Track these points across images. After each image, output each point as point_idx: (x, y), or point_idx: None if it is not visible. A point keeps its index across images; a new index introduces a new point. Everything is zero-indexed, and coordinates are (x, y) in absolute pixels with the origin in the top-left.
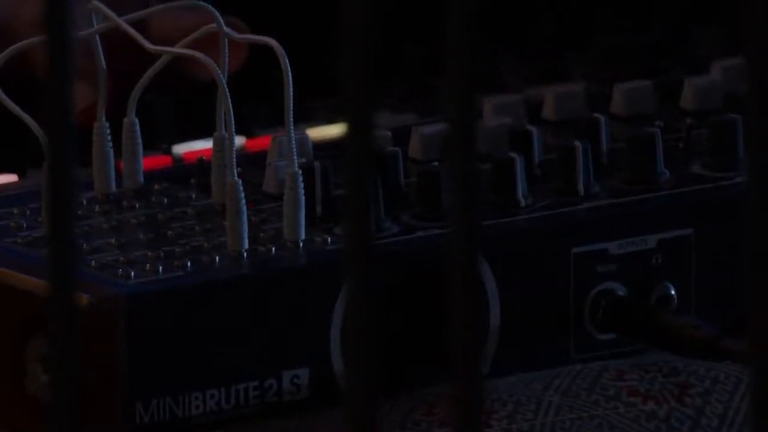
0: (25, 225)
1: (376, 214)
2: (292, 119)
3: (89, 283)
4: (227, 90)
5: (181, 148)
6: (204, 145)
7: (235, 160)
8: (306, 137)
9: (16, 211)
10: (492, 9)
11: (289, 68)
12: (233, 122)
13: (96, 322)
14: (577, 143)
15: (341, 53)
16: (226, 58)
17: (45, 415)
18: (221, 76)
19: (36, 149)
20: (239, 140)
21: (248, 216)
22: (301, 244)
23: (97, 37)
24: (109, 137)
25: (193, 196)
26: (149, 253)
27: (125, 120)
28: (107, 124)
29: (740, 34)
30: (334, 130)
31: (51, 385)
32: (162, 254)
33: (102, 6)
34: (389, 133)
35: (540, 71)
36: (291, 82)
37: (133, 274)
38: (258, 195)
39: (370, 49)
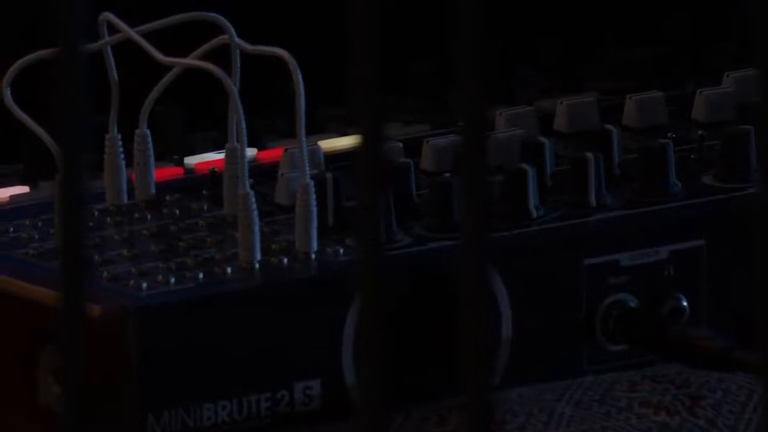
0: (36, 236)
1: (387, 225)
2: (304, 131)
3: (101, 295)
4: (239, 101)
5: (192, 160)
6: (216, 156)
7: (247, 171)
8: (318, 149)
9: (27, 222)
10: (504, 21)
11: (301, 80)
12: (245, 134)
13: (108, 333)
14: (589, 155)
15: (352, 65)
16: (238, 70)
17: (57, 426)
18: (233, 87)
19: (48, 161)
20: (251, 152)
21: (260, 227)
22: (313, 256)
23: (109, 48)
24: (121, 149)
25: (205, 207)
26: (161, 265)
27: (137, 132)
28: (119, 136)
29: (752, 46)
30: (346, 142)
31: (62, 396)
32: (173, 266)
33: (113, 17)
34: (401, 145)
35: (552, 83)
36: (303, 93)
37: (144, 285)
38: (270, 206)
39: (381, 61)
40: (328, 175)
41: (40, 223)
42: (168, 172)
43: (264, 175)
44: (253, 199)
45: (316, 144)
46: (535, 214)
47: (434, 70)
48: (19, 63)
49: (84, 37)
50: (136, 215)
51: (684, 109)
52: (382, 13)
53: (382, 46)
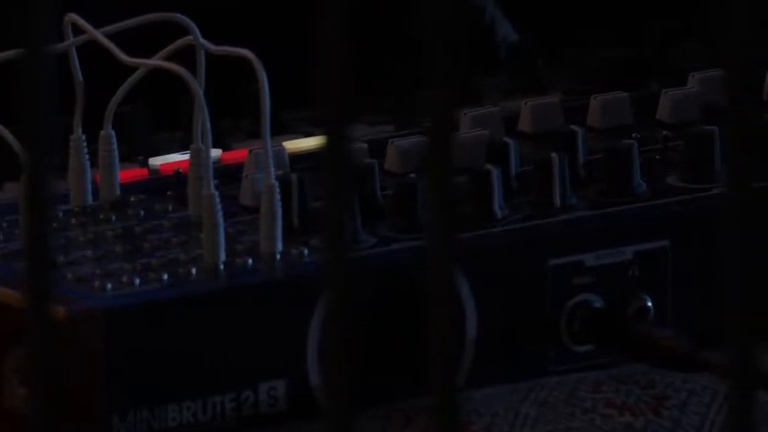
0: (1, 237)
1: (352, 226)
2: (269, 131)
3: (66, 296)
4: (204, 102)
5: (157, 161)
6: (180, 157)
7: (211, 172)
8: (282, 150)
9: None
10: (470, 21)
11: (266, 80)
12: (210, 134)
13: (73, 335)
14: (554, 155)
15: (318, 66)
16: (203, 71)
17: (23, 427)
18: (198, 88)
19: (13, 162)
20: (216, 153)
21: (225, 228)
22: (278, 257)
23: (74, 49)
24: (86, 150)
25: (170, 208)
26: (126, 266)
27: (101, 132)
28: (84, 137)
29: (718, 46)
30: (311, 143)
31: (28, 398)
32: (138, 266)
33: (78, 18)
34: (366, 146)
35: (517, 84)
36: (268, 94)
37: (109, 286)
38: (235, 207)
39: (347, 62)
40: (293, 176)
41: (5, 224)
42: (133, 173)
43: (229, 176)
44: (218, 200)
45: (281, 145)
46: (499, 215)
47: (399, 70)
48: None
49: (49, 38)
50: (101, 216)
51: (649, 110)
52: (348, 14)
53: (348, 47)
